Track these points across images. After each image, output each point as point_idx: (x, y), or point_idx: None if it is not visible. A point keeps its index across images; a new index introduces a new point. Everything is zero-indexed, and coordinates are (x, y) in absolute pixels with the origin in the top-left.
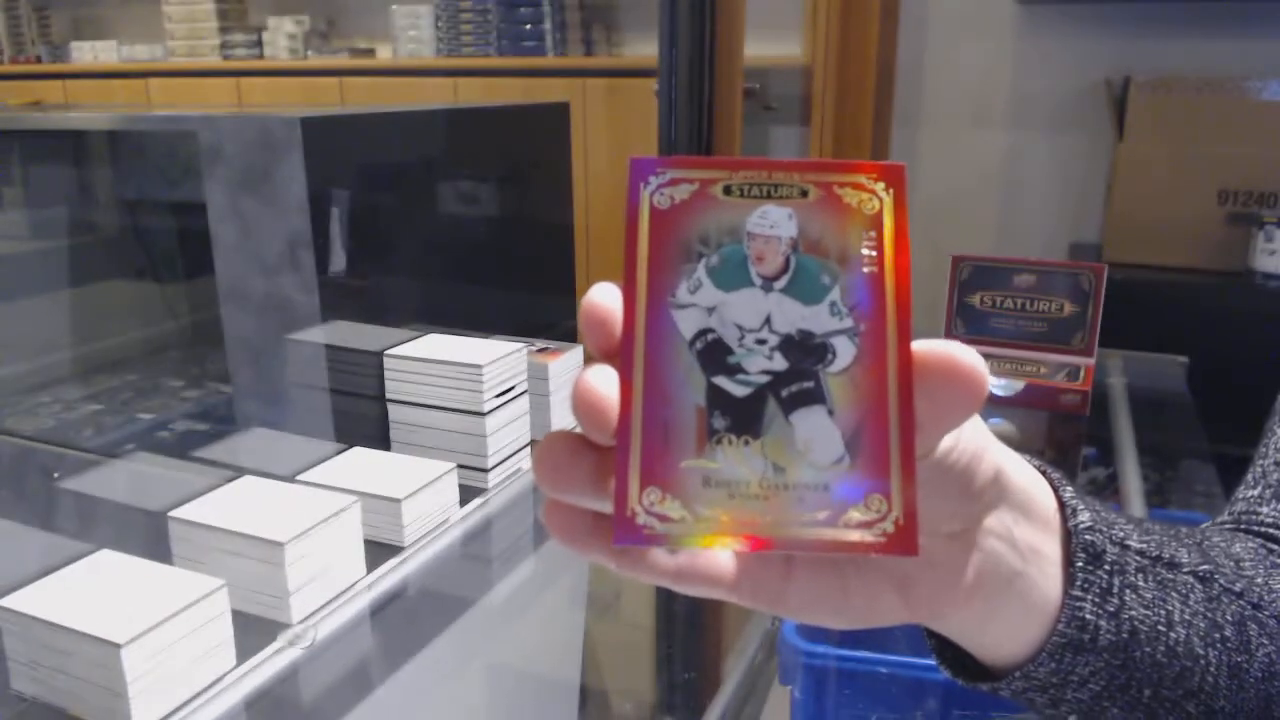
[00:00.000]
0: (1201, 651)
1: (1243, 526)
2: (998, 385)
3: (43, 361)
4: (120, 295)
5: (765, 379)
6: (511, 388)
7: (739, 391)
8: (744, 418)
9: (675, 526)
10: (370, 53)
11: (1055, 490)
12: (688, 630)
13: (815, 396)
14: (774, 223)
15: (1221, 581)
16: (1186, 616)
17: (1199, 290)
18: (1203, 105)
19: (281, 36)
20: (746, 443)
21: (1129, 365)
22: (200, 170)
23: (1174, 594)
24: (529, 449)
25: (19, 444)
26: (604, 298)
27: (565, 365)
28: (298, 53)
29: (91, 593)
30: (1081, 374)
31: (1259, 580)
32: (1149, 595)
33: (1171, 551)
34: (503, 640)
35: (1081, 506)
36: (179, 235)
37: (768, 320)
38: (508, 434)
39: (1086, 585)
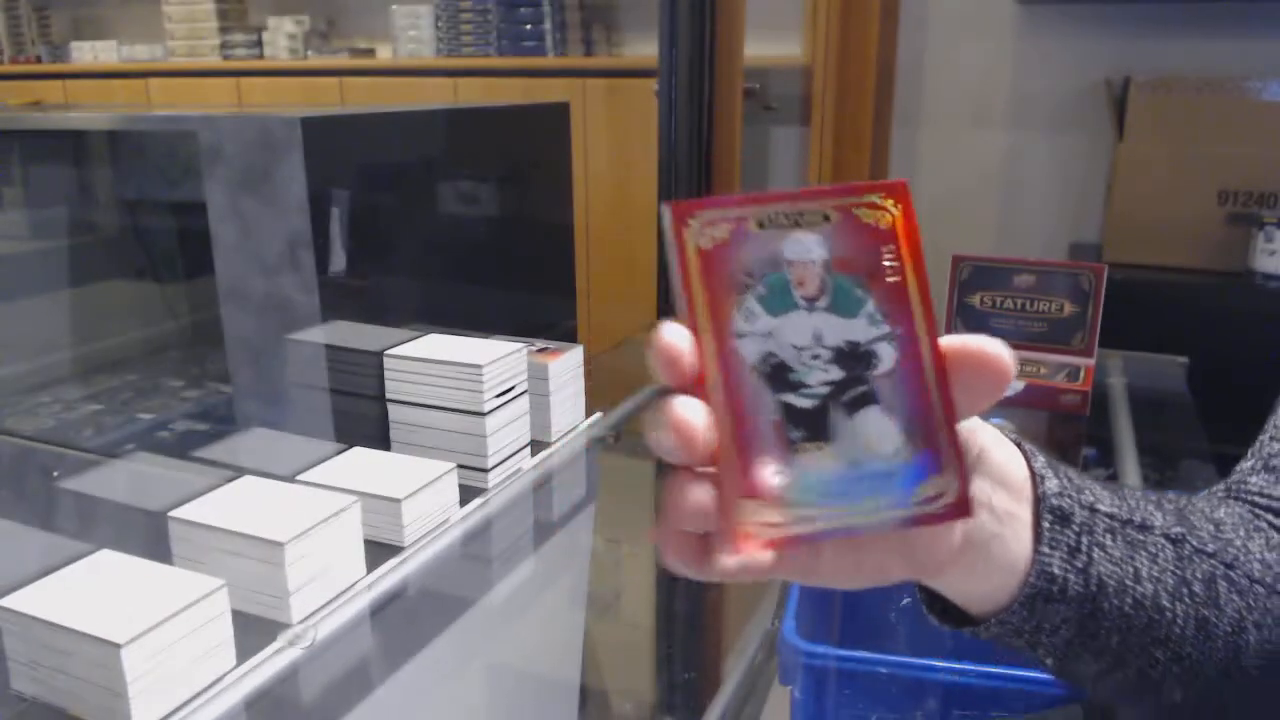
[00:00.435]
0: (1168, 605)
1: (1232, 494)
2: None
3: (43, 361)
4: (120, 295)
5: (826, 389)
6: (511, 388)
7: (806, 404)
8: (814, 426)
9: (778, 530)
10: (370, 53)
11: (1027, 460)
12: (688, 630)
13: (870, 398)
14: (808, 249)
15: (1193, 543)
16: (1155, 573)
17: (1199, 290)
18: (1203, 105)
19: (281, 36)
20: (820, 447)
21: (1129, 365)
22: (200, 170)
23: (1143, 553)
24: (529, 449)
25: (19, 444)
26: (674, 337)
27: (565, 365)
28: (298, 53)
29: (91, 593)
30: (1081, 374)
31: (1236, 543)
32: (1117, 553)
33: (1145, 515)
34: (503, 640)
35: (1050, 475)
36: (179, 235)
37: (818, 337)
38: (508, 434)
39: (1054, 543)
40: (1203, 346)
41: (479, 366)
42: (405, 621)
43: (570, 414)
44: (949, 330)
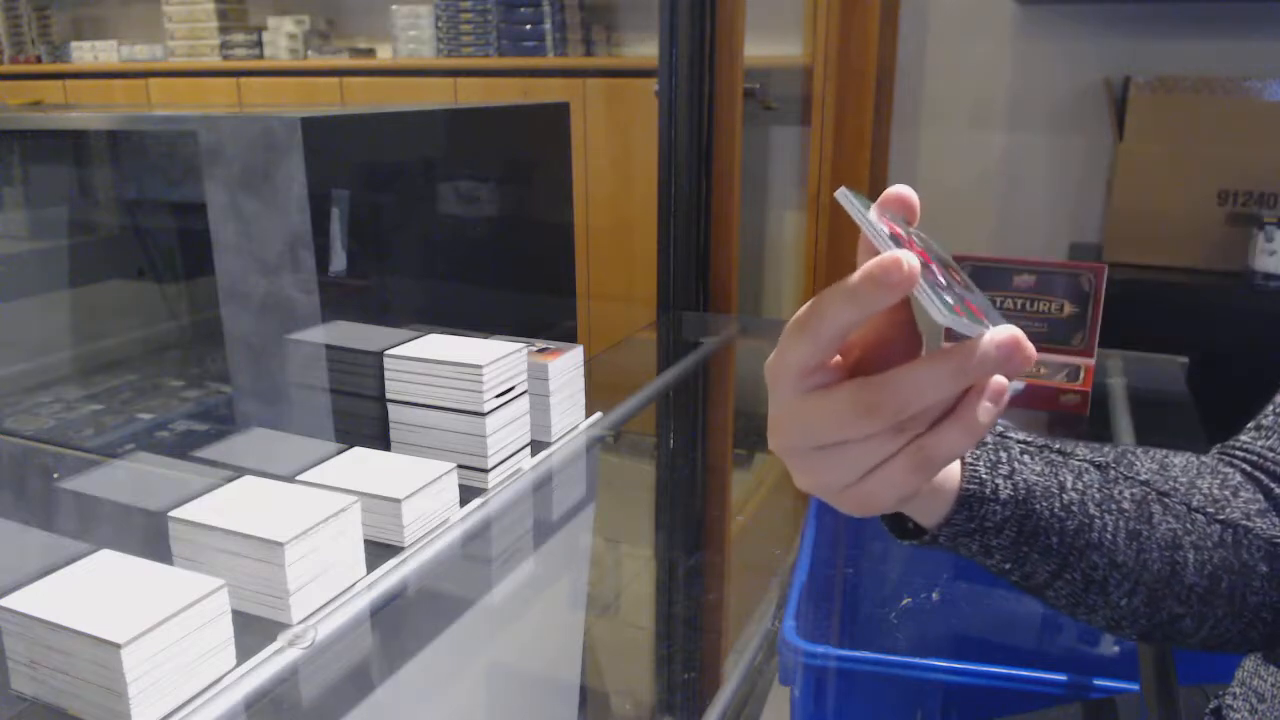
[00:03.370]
0: (1096, 514)
1: (1222, 451)
2: None
3: (43, 361)
4: (120, 295)
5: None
6: (511, 388)
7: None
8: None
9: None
10: (370, 53)
11: None
12: (688, 630)
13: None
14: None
15: (1122, 469)
16: (1080, 487)
17: (1199, 290)
18: (1203, 105)
19: (281, 36)
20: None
21: (1129, 365)
22: (200, 170)
23: (1065, 470)
24: (529, 449)
25: (19, 444)
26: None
27: (565, 365)
28: (298, 53)
29: (91, 593)
30: (1081, 374)
31: (1181, 479)
32: (1038, 467)
33: (1065, 445)
34: (503, 640)
35: None
36: (179, 235)
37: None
38: (508, 434)
39: (976, 455)
40: (1203, 346)
41: (479, 366)
42: (405, 621)
43: (570, 414)
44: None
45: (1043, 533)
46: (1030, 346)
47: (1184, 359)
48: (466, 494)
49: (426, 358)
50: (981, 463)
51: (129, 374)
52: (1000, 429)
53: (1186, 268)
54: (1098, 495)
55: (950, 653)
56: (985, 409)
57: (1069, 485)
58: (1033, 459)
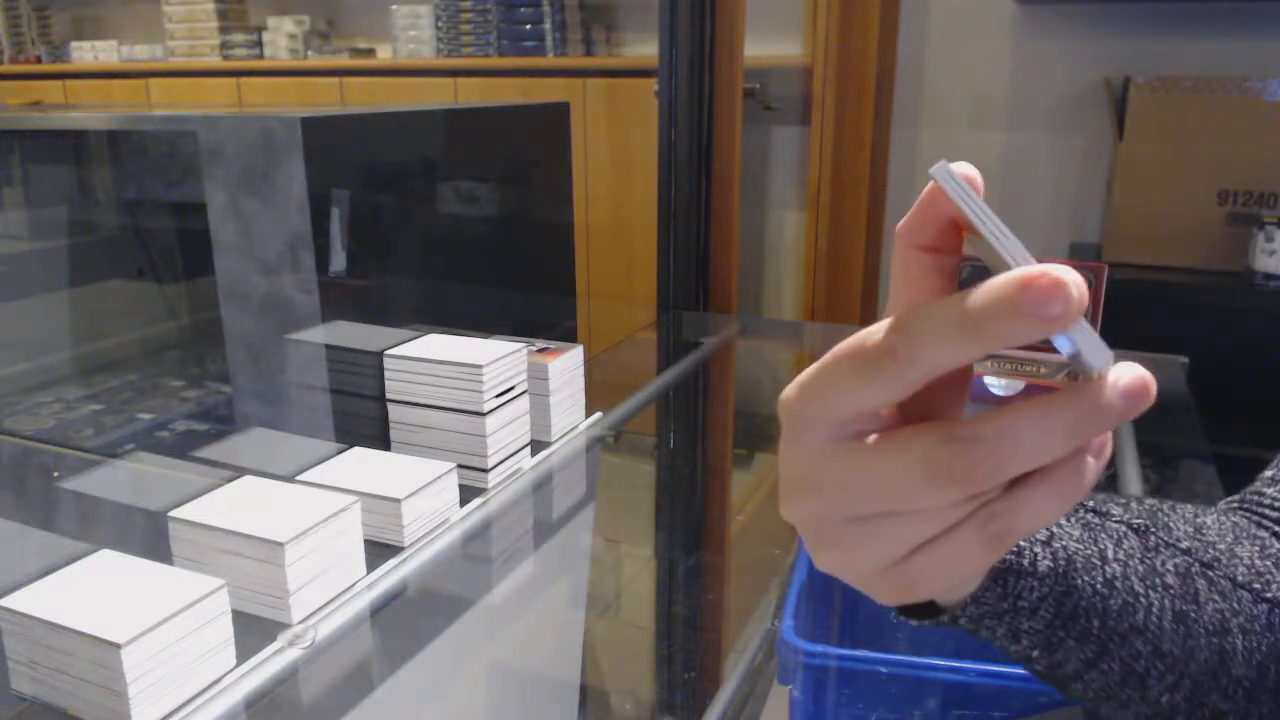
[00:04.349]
0: (1140, 590)
1: (1245, 506)
2: (997, 385)
3: (43, 361)
4: (120, 295)
5: None
6: (511, 388)
7: None
8: None
9: None
10: (370, 53)
11: None
12: (688, 630)
13: None
14: None
15: (1162, 535)
16: (1121, 556)
17: (1199, 290)
18: (1203, 105)
19: (281, 36)
20: None
21: None
22: (200, 170)
23: (1104, 535)
24: (529, 449)
25: (19, 444)
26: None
27: (565, 365)
28: (298, 53)
29: (91, 593)
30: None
31: (1219, 545)
32: (1076, 531)
33: (1100, 504)
34: (503, 640)
35: None
36: (179, 235)
37: None
38: (508, 434)
39: None
40: (1203, 346)
41: (479, 366)
42: (405, 621)
43: (570, 414)
44: None
45: (1083, 614)
46: (1154, 386)
47: (1184, 359)
48: (466, 494)
49: (426, 358)
50: None
51: (129, 374)
52: None
53: (1186, 268)
54: (1140, 568)
55: (950, 653)
56: (1090, 468)
57: (1110, 555)
58: (1069, 520)
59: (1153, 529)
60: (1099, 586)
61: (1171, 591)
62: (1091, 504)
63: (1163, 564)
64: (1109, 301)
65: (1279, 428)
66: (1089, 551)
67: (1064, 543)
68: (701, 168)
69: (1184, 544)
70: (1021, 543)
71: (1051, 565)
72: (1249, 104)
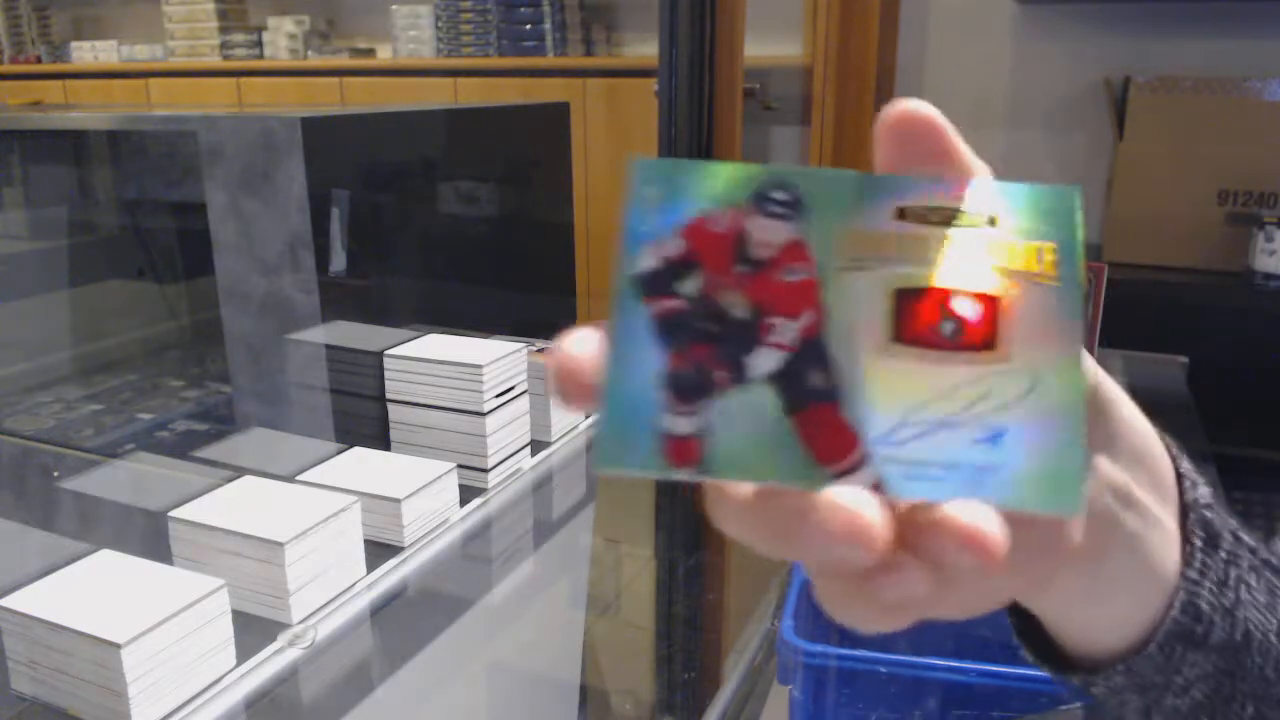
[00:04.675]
0: None
1: None
2: None
3: (43, 361)
4: (120, 295)
5: None
6: (511, 388)
7: None
8: None
9: None
10: (370, 53)
11: (1173, 456)
12: (688, 630)
13: None
14: None
15: None
16: None
17: (1199, 290)
18: (1203, 105)
19: (281, 36)
20: None
21: (1129, 365)
22: (200, 170)
23: None
24: (529, 449)
25: (19, 444)
26: None
27: None
28: (298, 53)
29: (91, 593)
30: None
31: None
32: (1263, 598)
33: (1277, 559)
34: (503, 640)
35: (1201, 481)
36: (179, 235)
37: None
38: (508, 434)
39: (1204, 568)
40: (1203, 346)
41: (479, 366)
42: (405, 621)
43: (570, 414)
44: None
45: (1239, 698)
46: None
47: (1184, 359)
48: (466, 494)
49: (426, 358)
50: (1208, 581)
51: (129, 374)
52: (1235, 524)
53: (1186, 268)
54: None
55: (950, 652)
56: (905, 581)
57: None
58: (1258, 580)
59: None
60: (1269, 671)
61: None
62: (1276, 561)
63: None
64: (1109, 301)
65: (1279, 428)
66: (1269, 625)
67: (1247, 612)
68: None
69: None
70: (1204, 606)
71: (1226, 637)
72: (1249, 104)
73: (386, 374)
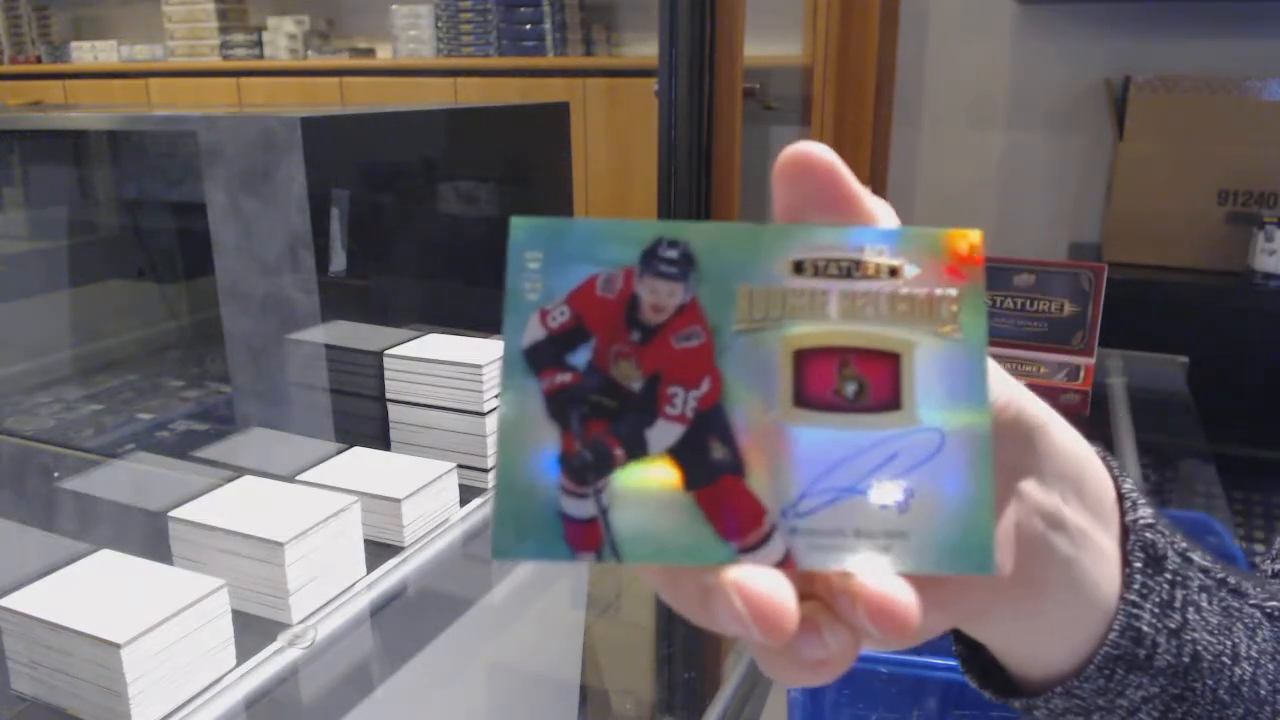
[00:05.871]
0: (1268, 697)
1: None
2: None
3: (43, 361)
4: (120, 295)
5: None
6: None
7: None
8: None
9: None
10: (370, 53)
11: (1113, 476)
12: (688, 630)
13: None
14: None
15: None
16: (1254, 654)
17: (1199, 290)
18: (1203, 105)
19: (281, 36)
20: None
21: (1129, 365)
22: (200, 170)
23: (1240, 625)
24: None
25: (19, 444)
26: None
27: None
28: (298, 53)
29: (91, 593)
30: (1081, 374)
31: None
32: (1214, 620)
33: (1236, 580)
34: (503, 640)
35: (1142, 501)
36: (179, 235)
37: None
38: None
39: (1145, 591)
40: (1203, 346)
41: (479, 366)
42: (405, 621)
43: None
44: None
45: None
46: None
47: (1184, 359)
48: (466, 494)
49: (426, 357)
50: (1149, 605)
51: (129, 374)
52: (1184, 546)
53: (1186, 268)
54: (1272, 670)
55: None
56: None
57: (1243, 652)
58: (1210, 601)
59: None
60: (1222, 693)
61: None
62: (1233, 581)
63: None
64: (1109, 301)
65: (1279, 428)
66: (1221, 647)
67: (1196, 634)
68: (701, 168)
69: None
70: (1145, 628)
71: (1173, 660)
72: (1249, 104)
73: (386, 374)
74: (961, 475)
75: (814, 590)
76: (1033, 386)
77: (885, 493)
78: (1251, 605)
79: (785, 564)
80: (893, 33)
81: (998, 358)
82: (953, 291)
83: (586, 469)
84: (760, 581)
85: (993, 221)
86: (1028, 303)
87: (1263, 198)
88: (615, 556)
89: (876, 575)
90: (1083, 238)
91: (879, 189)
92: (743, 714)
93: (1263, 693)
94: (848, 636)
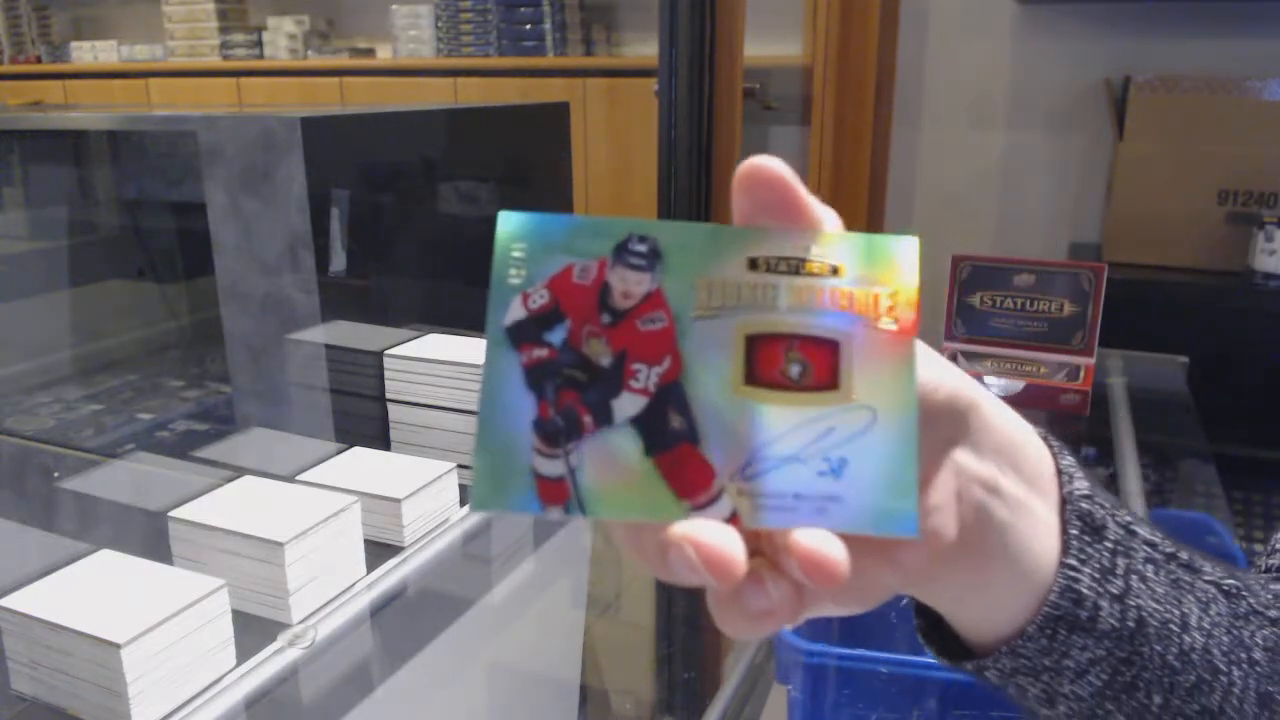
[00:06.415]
0: (1224, 668)
1: None
2: (997, 385)
3: (43, 361)
4: (120, 295)
5: None
6: None
7: None
8: None
9: None
10: (370, 53)
11: (1052, 453)
12: (688, 630)
13: None
14: None
15: (1252, 602)
16: (1206, 625)
17: (1199, 290)
18: (1203, 105)
19: (281, 36)
20: None
21: (1129, 365)
22: (200, 170)
23: (1191, 597)
24: None
25: (19, 444)
26: None
27: None
28: (298, 53)
29: (91, 593)
30: (1081, 374)
31: None
32: (1160, 590)
33: (1190, 556)
34: (503, 640)
35: (1080, 474)
36: (179, 235)
37: None
38: None
39: (1084, 556)
40: (1203, 346)
41: (479, 367)
42: (405, 621)
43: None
44: (949, 331)
45: (1143, 687)
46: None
47: (1184, 359)
48: (466, 494)
49: (426, 357)
50: (1088, 569)
51: (129, 374)
52: (1128, 518)
53: (1186, 268)
54: (1227, 641)
55: None
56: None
57: (1194, 622)
58: (1156, 572)
59: (1244, 593)
60: (1171, 659)
61: (1259, 669)
62: (1185, 556)
63: (1251, 636)
64: (1109, 301)
65: (1279, 428)
66: (1169, 615)
67: (1141, 600)
68: (701, 168)
69: (1272, 613)
70: (1085, 590)
71: (1117, 624)
72: (1249, 104)
73: (386, 374)
74: (889, 448)
75: (760, 548)
76: (1033, 386)
77: (822, 461)
78: (1206, 581)
79: (732, 521)
80: (893, 33)
81: (998, 358)
82: (888, 289)
83: (558, 433)
84: (710, 532)
85: (993, 221)
86: (1028, 303)
87: (1263, 198)
88: (580, 510)
89: (811, 534)
90: (1083, 238)
91: (879, 189)
92: (743, 714)
93: (1217, 663)
94: (789, 588)
